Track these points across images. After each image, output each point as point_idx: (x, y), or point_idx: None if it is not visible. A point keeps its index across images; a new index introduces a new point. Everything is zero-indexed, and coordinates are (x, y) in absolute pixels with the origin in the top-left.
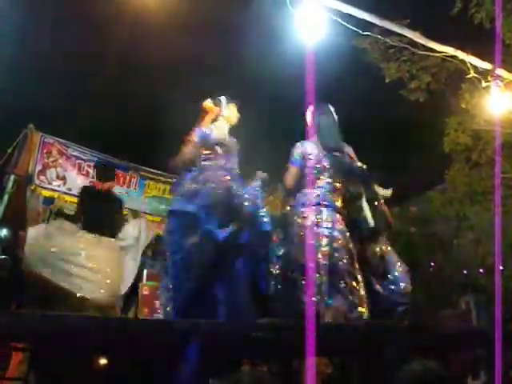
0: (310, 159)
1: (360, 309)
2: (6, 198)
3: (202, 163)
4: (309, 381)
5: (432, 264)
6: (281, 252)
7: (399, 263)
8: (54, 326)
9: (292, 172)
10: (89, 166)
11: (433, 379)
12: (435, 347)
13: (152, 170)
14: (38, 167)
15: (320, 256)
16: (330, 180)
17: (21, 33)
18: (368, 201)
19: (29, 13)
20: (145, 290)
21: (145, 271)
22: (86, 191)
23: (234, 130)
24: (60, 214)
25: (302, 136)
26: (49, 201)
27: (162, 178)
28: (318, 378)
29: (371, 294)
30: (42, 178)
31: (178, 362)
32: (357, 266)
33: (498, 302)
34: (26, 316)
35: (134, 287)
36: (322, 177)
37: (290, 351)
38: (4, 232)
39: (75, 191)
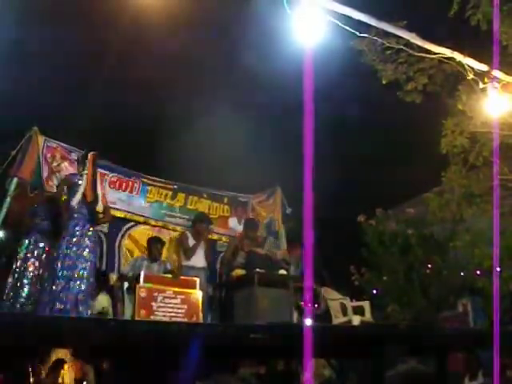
0: None
1: None
2: (8, 200)
3: None
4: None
5: (429, 266)
6: None
7: None
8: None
9: None
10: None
11: (423, 380)
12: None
13: (153, 178)
14: (45, 173)
15: None
16: None
17: (23, 35)
18: None
19: (30, 15)
20: (142, 292)
21: (142, 273)
22: None
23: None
24: None
25: (300, 136)
26: None
27: (164, 184)
28: (315, 380)
29: None
30: (50, 183)
31: (176, 362)
32: None
33: (495, 304)
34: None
35: None
36: None
37: (287, 353)
38: (5, 234)
39: None
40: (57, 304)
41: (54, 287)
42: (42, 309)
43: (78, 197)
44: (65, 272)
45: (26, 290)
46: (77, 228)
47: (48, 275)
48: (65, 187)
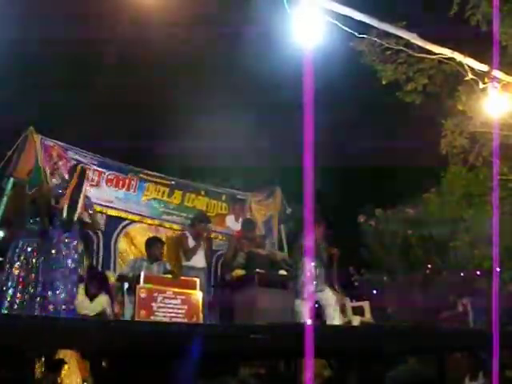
0: None
1: None
2: (4, 200)
3: None
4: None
5: (429, 266)
6: None
7: None
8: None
9: None
10: (88, 169)
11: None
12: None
13: (151, 173)
14: (47, 171)
15: None
16: None
17: (21, 34)
18: None
19: (29, 13)
20: (142, 293)
21: (142, 273)
22: None
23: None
24: None
25: (300, 137)
26: None
27: (162, 180)
28: (315, 380)
29: None
30: (54, 181)
31: (176, 363)
32: None
33: (495, 304)
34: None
35: None
36: None
37: (287, 353)
38: (2, 234)
39: None
40: (47, 307)
41: (38, 289)
42: (28, 311)
43: (64, 207)
44: (45, 277)
45: (10, 292)
46: (54, 235)
47: (32, 279)
48: (49, 197)
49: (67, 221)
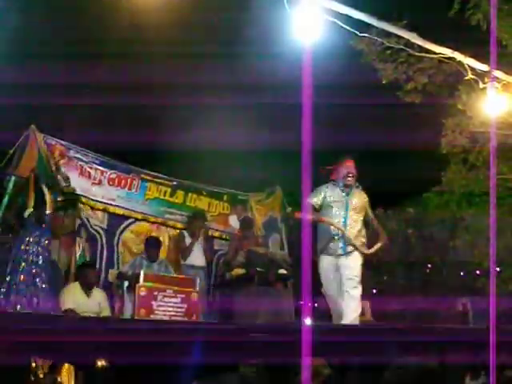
0: None
1: None
2: (6, 199)
3: None
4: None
5: (429, 266)
6: None
7: None
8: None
9: None
10: (90, 168)
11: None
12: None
13: (153, 173)
14: (53, 168)
15: None
16: None
17: (21, 31)
18: None
19: (29, 12)
20: (142, 291)
21: (142, 272)
22: None
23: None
24: None
25: (299, 136)
26: None
27: (163, 181)
28: (314, 379)
29: None
30: (59, 177)
31: (175, 361)
32: None
33: (494, 304)
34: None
35: None
36: None
37: (286, 352)
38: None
39: (78, 192)
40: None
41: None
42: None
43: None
44: (13, 279)
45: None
46: (26, 235)
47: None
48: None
49: (37, 218)
